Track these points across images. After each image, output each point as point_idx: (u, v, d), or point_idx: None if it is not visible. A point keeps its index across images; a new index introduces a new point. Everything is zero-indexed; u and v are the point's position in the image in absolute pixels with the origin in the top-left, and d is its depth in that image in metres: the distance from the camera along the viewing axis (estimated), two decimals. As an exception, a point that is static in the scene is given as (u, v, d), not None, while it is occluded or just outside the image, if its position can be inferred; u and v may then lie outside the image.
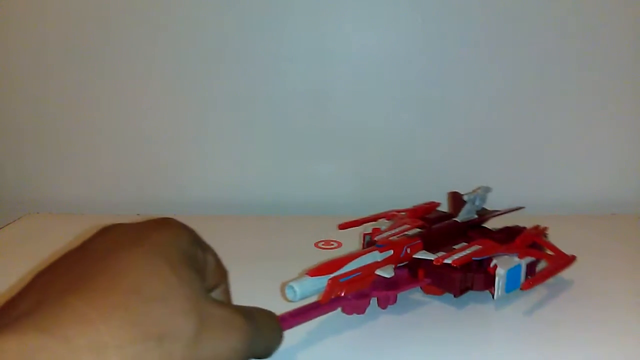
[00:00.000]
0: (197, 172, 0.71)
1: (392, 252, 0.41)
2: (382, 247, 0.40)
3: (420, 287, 0.44)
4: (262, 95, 0.67)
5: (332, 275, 0.36)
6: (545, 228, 0.49)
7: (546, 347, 0.37)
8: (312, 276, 0.35)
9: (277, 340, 0.30)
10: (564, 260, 0.45)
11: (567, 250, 0.54)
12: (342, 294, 0.37)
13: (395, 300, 0.41)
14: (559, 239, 0.57)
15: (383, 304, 0.41)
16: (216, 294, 0.30)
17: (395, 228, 0.47)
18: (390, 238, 0.43)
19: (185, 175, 0.71)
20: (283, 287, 0.47)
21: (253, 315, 0.27)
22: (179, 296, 0.24)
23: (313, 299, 0.36)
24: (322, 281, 0.35)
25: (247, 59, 0.66)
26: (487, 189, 0.51)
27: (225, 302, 0.29)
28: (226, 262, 0.54)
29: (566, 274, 0.48)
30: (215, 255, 0.30)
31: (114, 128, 0.70)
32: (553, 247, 0.46)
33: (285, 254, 0.55)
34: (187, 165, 0.71)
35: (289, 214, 0.69)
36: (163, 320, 0.22)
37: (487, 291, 0.43)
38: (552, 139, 0.67)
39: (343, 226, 0.49)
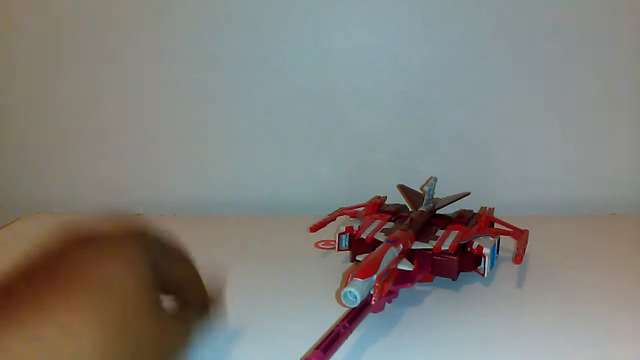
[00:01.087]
0: (197, 172, 0.71)
1: (402, 246, 0.42)
2: (394, 242, 0.41)
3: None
4: (261, 95, 0.67)
5: (376, 275, 0.37)
6: (492, 209, 0.53)
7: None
8: (362, 278, 0.36)
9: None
10: (523, 234, 0.49)
11: (567, 251, 0.54)
12: (389, 290, 0.38)
13: (397, 294, 0.42)
14: (560, 239, 0.57)
15: (390, 298, 0.41)
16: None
17: (370, 224, 0.49)
18: (395, 233, 0.44)
19: (185, 175, 0.71)
20: (283, 286, 0.47)
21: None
22: (142, 303, 0.27)
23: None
24: (369, 281, 0.36)
25: (246, 59, 0.66)
26: (436, 179, 0.54)
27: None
28: (226, 261, 0.54)
29: (566, 273, 0.49)
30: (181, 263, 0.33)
31: (114, 128, 0.70)
32: (508, 224, 0.51)
33: (285, 254, 0.55)
34: (187, 165, 0.71)
35: (289, 214, 0.69)
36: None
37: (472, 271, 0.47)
38: (552, 139, 0.67)
39: (314, 228, 0.50)
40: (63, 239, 0.29)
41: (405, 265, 0.40)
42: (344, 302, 0.35)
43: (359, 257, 0.49)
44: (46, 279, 0.25)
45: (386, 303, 0.41)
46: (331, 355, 0.30)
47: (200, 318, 0.32)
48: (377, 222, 0.50)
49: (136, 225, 0.31)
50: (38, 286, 0.25)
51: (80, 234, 0.29)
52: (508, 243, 0.54)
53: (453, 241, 0.44)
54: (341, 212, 0.55)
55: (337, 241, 0.50)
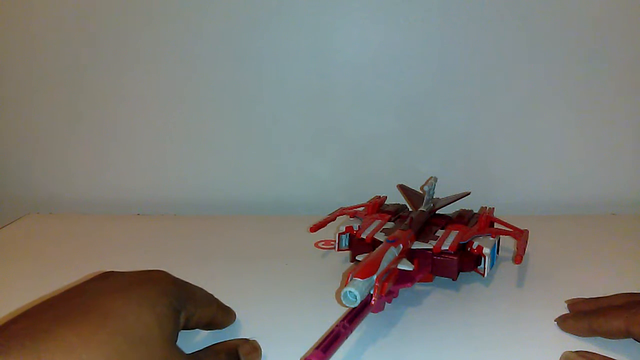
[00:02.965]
0: (197, 172, 0.71)
1: (402, 246, 0.42)
2: (394, 242, 0.41)
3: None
4: (262, 96, 0.67)
5: (376, 275, 0.37)
6: (492, 209, 0.53)
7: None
8: (362, 278, 0.35)
9: None
10: (523, 234, 0.49)
11: (567, 251, 0.54)
12: (389, 290, 0.38)
13: (397, 294, 0.42)
14: (560, 239, 0.57)
15: (390, 298, 0.41)
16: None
17: (370, 224, 0.49)
18: (395, 233, 0.44)
19: (185, 175, 0.71)
20: (283, 286, 0.47)
21: None
22: (158, 344, 0.27)
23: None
24: (369, 281, 0.36)
25: (246, 60, 0.66)
26: (436, 179, 0.54)
27: (190, 355, 0.32)
28: (226, 261, 0.54)
29: (566, 273, 0.49)
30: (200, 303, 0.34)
31: (114, 128, 0.70)
32: (508, 224, 0.51)
33: (285, 253, 0.55)
34: (187, 165, 0.71)
35: (289, 214, 0.69)
36: None
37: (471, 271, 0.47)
38: (553, 139, 0.67)
39: (314, 228, 0.50)
40: (92, 277, 0.31)
41: (405, 265, 0.40)
42: (344, 302, 0.35)
43: (359, 257, 0.49)
44: (65, 310, 0.27)
45: (386, 303, 0.41)
46: (331, 355, 0.30)
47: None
48: (377, 222, 0.50)
49: (160, 272, 0.33)
50: (56, 314, 0.26)
51: (108, 274, 0.31)
52: (508, 243, 0.54)
53: (453, 241, 0.44)
54: (341, 212, 0.55)
55: (337, 241, 0.50)
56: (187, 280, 0.35)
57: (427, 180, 0.54)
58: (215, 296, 0.38)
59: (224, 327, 0.39)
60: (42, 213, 0.71)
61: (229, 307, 0.39)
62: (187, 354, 0.30)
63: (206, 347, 0.33)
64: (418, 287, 0.46)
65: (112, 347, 0.25)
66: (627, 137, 0.66)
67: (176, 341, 0.30)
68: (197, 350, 0.33)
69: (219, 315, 0.37)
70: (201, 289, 0.36)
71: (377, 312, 0.39)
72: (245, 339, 0.35)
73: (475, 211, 0.54)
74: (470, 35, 0.64)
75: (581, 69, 0.64)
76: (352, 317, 0.34)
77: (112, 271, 0.32)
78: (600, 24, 0.62)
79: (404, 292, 0.44)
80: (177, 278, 0.33)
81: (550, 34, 0.63)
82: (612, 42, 0.63)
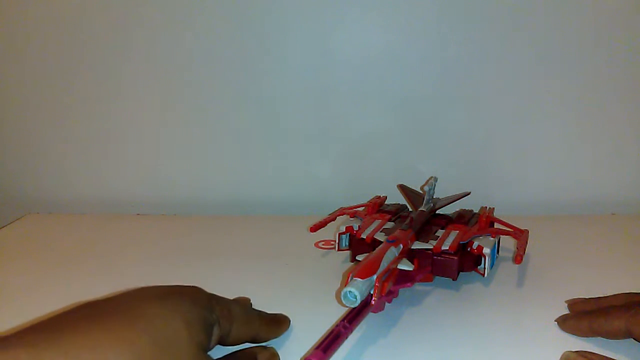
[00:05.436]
0: (197, 172, 0.71)
1: (402, 246, 0.42)
2: (394, 242, 0.41)
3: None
4: (262, 95, 0.67)
5: (376, 275, 0.37)
6: (492, 209, 0.53)
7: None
8: (362, 278, 0.35)
9: None
10: (523, 234, 0.49)
11: (567, 251, 0.54)
12: (389, 290, 0.38)
13: (397, 294, 0.42)
14: (560, 239, 0.57)
15: (390, 298, 0.41)
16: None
17: (370, 224, 0.49)
18: (395, 233, 0.44)
19: (185, 175, 0.71)
20: (283, 286, 0.47)
21: None
22: (185, 349, 0.27)
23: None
24: (369, 281, 0.36)
25: (247, 59, 0.66)
26: (436, 179, 0.54)
27: None
28: (227, 261, 0.54)
29: (566, 273, 0.49)
30: (231, 315, 0.33)
31: (114, 129, 0.70)
32: (508, 224, 0.51)
33: (285, 254, 0.55)
34: (187, 165, 0.71)
35: (289, 214, 0.69)
36: None
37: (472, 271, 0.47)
38: (553, 139, 0.67)
39: (314, 228, 0.50)
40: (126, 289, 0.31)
41: (405, 265, 0.40)
42: (344, 302, 0.35)
43: (359, 257, 0.49)
44: (94, 310, 0.27)
45: (386, 303, 0.41)
46: (331, 355, 0.30)
47: None
48: (377, 222, 0.50)
49: (195, 287, 0.33)
50: (85, 314, 0.27)
51: (141, 287, 0.31)
52: (508, 243, 0.54)
53: (453, 241, 0.45)
54: (341, 212, 0.55)
55: (337, 241, 0.50)
56: (187, 280, 0.35)
57: (427, 180, 0.54)
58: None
59: (274, 338, 0.38)
60: (42, 213, 0.71)
61: (278, 318, 0.39)
62: None
63: (226, 355, 0.33)
64: (418, 287, 0.46)
65: (139, 346, 0.25)
66: (627, 137, 0.66)
67: (206, 352, 0.30)
68: (216, 358, 0.32)
69: (262, 331, 0.36)
70: (242, 307, 0.35)
71: (377, 312, 0.39)
72: (264, 346, 0.35)
73: (475, 211, 0.54)
74: (470, 35, 0.64)
75: (581, 69, 0.64)
76: (352, 317, 0.34)
77: (146, 286, 0.32)
78: (601, 25, 0.62)
79: (404, 292, 0.44)
80: (214, 294, 0.33)
81: (550, 34, 0.63)
82: (613, 42, 0.63)
